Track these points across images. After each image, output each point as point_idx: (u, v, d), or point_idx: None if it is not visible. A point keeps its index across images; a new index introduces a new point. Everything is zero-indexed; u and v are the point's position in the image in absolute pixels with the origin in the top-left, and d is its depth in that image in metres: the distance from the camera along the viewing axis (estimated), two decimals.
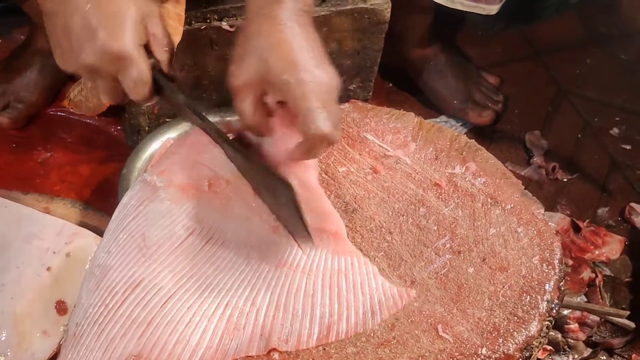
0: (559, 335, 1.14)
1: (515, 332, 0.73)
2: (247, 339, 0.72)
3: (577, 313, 1.16)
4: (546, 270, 0.78)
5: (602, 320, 1.17)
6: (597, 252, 1.28)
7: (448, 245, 0.81)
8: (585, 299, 1.21)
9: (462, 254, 0.80)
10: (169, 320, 0.71)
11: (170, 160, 0.85)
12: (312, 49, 0.77)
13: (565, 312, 1.15)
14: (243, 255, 0.78)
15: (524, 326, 0.74)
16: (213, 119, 1.29)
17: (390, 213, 0.84)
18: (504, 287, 0.77)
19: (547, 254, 0.80)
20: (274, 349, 0.71)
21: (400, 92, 1.58)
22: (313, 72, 0.75)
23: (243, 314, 0.73)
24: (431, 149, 0.92)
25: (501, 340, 0.72)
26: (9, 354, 1.04)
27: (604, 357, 1.14)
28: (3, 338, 1.04)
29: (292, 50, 0.76)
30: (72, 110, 1.42)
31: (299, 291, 0.75)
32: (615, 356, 1.15)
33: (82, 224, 1.21)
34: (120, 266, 0.75)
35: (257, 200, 0.82)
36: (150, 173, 0.84)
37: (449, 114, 1.52)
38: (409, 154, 0.91)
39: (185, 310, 0.72)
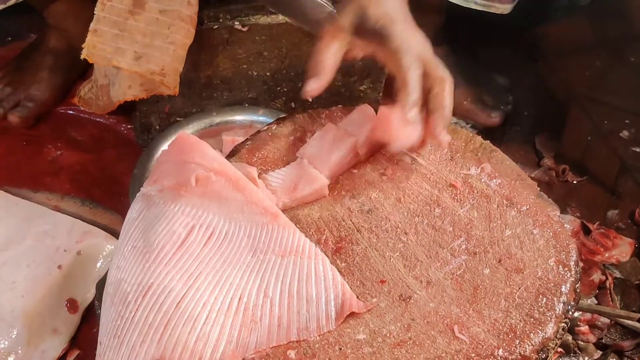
0: (570, 338, 1.14)
1: (531, 334, 0.73)
2: (265, 331, 0.72)
3: (588, 315, 1.16)
4: (562, 272, 0.78)
5: (613, 322, 1.17)
6: (607, 255, 1.27)
7: (464, 247, 0.81)
8: (596, 301, 1.21)
9: (477, 255, 0.80)
10: (186, 319, 0.71)
11: (161, 168, 0.86)
12: (407, 16, 0.87)
13: (576, 314, 1.15)
14: (248, 246, 0.78)
15: (540, 328, 0.73)
16: (223, 118, 1.30)
17: (406, 213, 0.84)
18: (520, 288, 0.77)
19: (563, 256, 0.80)
20: (290, 347, 0.71)
21: None
22: (405, 29, 0.85)
23: (258, 306, 0.73)
24: (446, 149, 0.91)
25: (518, 341, 0.72)
26: (19, 351, 1.04)
27: None
28: (14, 336, 1.04)
29: (390, 7, 0.86)
30: (82, 108, 1.42)
31: (309, 277, 0.75)
32: (625, 359, 1.14)
33: (93, 223, 1.21)
34: (129, 277, 0.75)
35: (249, 186, 0.82)
36: (145, 185, 0.85)
37: (458, 115, 1.52)
38: (424, 155, 0.90)
39: (200, 307, 0.72)
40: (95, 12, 1.14)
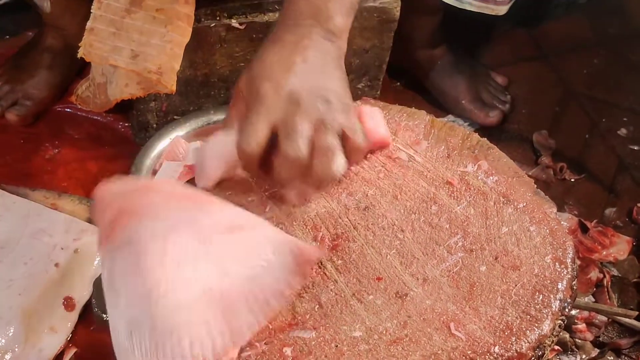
0: (567, 335, 1.14)
1: (528, 331, 0.73)
2: (246, 311, 0.71)
3: (585, 313, 1.16)
4: (559, 269, 0.78)
5: (610, 320, 1.17)
6: (604, 253, 1.28)
7: (460, 244, 0.81)
8: (593, 299, 1.21)
9: (474, 252, 0.80)
10: (171, 331, 0.68)
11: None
12: (303, 72, 0.77)
13: (573, 312, 1.15)
14: (191, 236, 0.74)
15: (536, 325, 0.73)
16: (221, 116, 1.30)
17: (402, 211, 0.84)
18: (516, 285, 0.77)
19: (560, 253, 0.79)
20: (286, 344, 0.71)
21: (407, 91, 1.58)
22: (277, 90, 0.76)
23: (226, 290, 0.71)
24: (443, 147, 0.91)
25: (514, 338, 0.72)
26: (16, 349, 1.04)
27: (612, 358, 1.14)
28: (10, 334, 1.04)
29: (271, 63, 0.79)
30: (79, 106, 1.42)
31: (260, 246, 0.73)
32: (623, 356, 1.15)
33: (90, 221, 1.21)
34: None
35: (163, 185, 0.82)
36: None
37: (455, 114, 1.52)
38: (420, 152, 0.90)
39: (177, 316, 0.69)
40: (92, 11, 1.14)
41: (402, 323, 0.73)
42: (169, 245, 0.72)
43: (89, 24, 1.14)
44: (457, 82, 1.50)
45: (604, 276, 1.23)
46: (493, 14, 1.36)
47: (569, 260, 0.79)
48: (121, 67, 1.15)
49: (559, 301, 0.75)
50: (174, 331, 0.69)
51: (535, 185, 0.89)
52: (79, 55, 1.15)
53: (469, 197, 0.86)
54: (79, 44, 1.15)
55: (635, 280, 1.25)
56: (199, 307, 0.70)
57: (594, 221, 1.32)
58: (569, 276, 0.78)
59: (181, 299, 0.70)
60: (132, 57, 1.14)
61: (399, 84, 1.59)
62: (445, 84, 1.51)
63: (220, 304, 0.71)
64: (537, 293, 0.76)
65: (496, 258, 0.79)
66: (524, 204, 0.85)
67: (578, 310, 1.15)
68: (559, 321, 0.75)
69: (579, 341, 1.15)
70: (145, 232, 0.74)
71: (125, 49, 1.14)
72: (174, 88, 1.17)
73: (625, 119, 1.55)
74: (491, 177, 0.88)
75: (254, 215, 0.78)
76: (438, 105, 1.53)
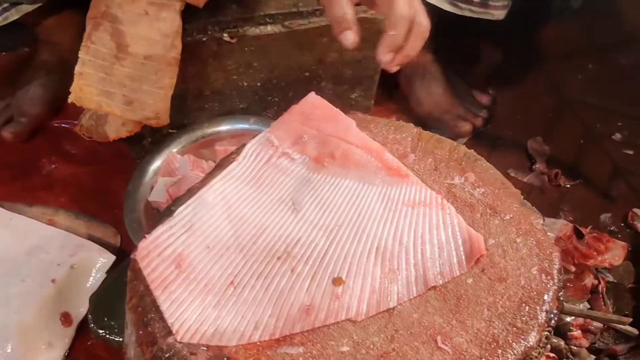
0: (562, 343, 1.14)
1: (514, 343, 0.73)
2: (404, 281, 0.77)
3: (580, 320, 1.16)
4: (545, 281, 0.78)
5: (605, 326, 1.17)
6: (600, 259, 1.27)
7: None
8: (588, 306, 1.21)
9: None
10: (330, 272, 0.77)
11: (298, 132, 0.91)
12: None
13: (568, 319, 1.15)
14: (380, 201, 0.85)
15: (522, 337, 0.74)
16: (215, 128, 1.31)
17: None
18: (502, 297, 0.77)
19: (546, 265, 0.80)
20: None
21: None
22: None
23: (394, 256, 0.79)
24: (430, 159, 0.92)
25: (500, 351, 0.72)
26: None
27: None
28: (9, 350, 1.05)
29: None
30: (83, 136, 1.38)
31: (438, 225, 0.82)
32: None
33: (87, 236, 1.22)
34: (274, 230, 0.81)
35: (385, 154, 0.90)
36: (280, 141, 0.91)
37: (428, 124, 1.50)
38: (408, 165, 0.91)
39: (341, 260, 0.78)
40: (79, 55, 1.13)
41: (389, 337, 0.74)
42: (362, 201, 0.86)
43: (77, 68, 1.12)
44: (433, 93, 1.49)
45: (599, 282, 1.23)
46: (493, 19, 1.37)
47: (555, 271, 0.80)
48: (117, 114, 1.15)
49: (545, 312, 0.76)
50: (334, 272, 0.78)
51: (526, 193, 0.90)
52: (69, 101, 1.13)
53: (456, 210, 0.86)
54: (70, 90, 1.13)
55: (630, 286, 1.25)
56: (363, 261, 0.79)
57: (589, 227, 1.32)
58: (555, 287, 0.78)
59: (352, 245, 0.81)
60: (126, 102, 1.13)
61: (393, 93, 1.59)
62: (422, 93, 1.50)
63: (382, 266, 0.78)
64: (523, 305, 0.76)
65: (483, 270, 0.80)
66: (511, 216, 0.85)
67: (573, 317, 1.15)
68: (546, 333, 0.75)
69: (575, 348, 1.15)
70: (352, 185, 0.88)
71: (117, 95, 1.13)
72: (168, 121, 1.18)
73: (619, 123, 1.55)
74: (478, 189, 0.88)
75: (440, 198, 0.86)
76: (415, 114, 1.51)
